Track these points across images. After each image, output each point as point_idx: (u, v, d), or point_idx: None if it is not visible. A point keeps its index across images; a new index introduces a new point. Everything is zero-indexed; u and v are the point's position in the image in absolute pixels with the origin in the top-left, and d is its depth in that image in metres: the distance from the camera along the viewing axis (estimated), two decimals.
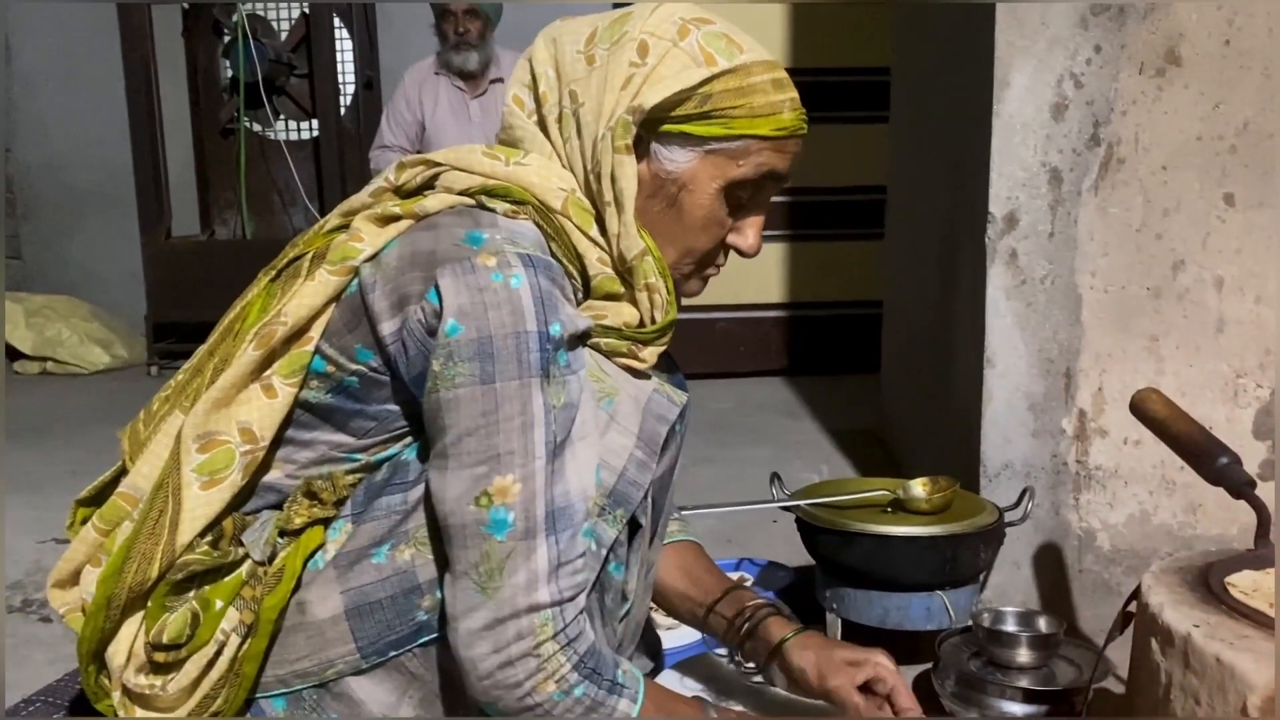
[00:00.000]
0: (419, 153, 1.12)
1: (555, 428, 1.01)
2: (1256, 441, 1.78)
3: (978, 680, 1.47)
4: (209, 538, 1.06)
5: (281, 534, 1.08)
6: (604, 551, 1.09)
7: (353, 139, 4.73)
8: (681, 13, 1.10)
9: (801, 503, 1.72)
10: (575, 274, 1.11)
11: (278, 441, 1.09)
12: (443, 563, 1.04)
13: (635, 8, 1.12)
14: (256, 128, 4.79)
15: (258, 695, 1.10)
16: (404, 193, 1.12)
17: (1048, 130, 1.78)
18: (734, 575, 1.90)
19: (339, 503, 1.10)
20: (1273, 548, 1.28)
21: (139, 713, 1.06)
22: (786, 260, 4.12)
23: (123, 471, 1.14)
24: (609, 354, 1.13)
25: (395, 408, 1.08)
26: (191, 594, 1.06)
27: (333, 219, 1.14)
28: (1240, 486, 1.32)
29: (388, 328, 1.03)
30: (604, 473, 1.08)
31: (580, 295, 1.13)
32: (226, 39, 4.69)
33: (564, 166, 1.12)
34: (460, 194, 1.09)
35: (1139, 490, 1.82)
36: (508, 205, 1.08)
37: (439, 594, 1.05)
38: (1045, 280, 1.81)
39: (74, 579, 1.12)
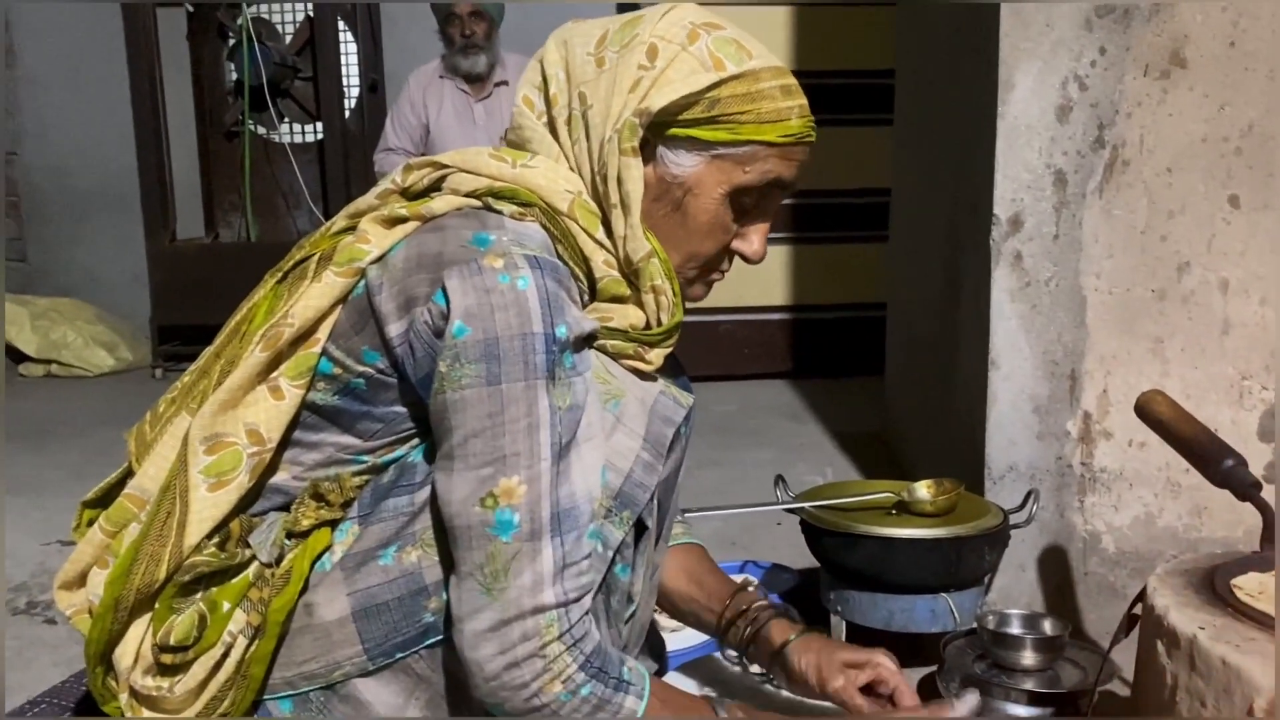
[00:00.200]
0: (424, 155, 1.12)
1: (561, 429, 1.01)
2: (1262, 444, 1.78)
3: (983, 683, 1.47)
4: (216, 539, 1.06)
5: (289, 536, 1.09)
6: (610, 553, 1.09)
7: (357, 142, 4.74)
8: (692, 17, 1.10)
9: (806, 505, 1.72)
10: (581, 276, 1.11)
11: (285, 443, 1.09)
12: (450, 564, 1.04)
13: (646, 11, 1.12)
14: (261, 130, 4.80)
15: (265, 697, 1.10)
16: (411, 195, 1.12)
17: (1052, 132, 1.78)
18: (738, 578, 1.90)
19: (346, 504, 1.10)
20: None
21: (146, 714, 1.06)
22: (791, 263, 4.13)
23: (129, 473, 1.14)
24: (615, 356, 1.13)
25: (402, 409, 1.08)
26: (199, 596, 1.06)
27: (339, 221, 1.14)
28: (1245, 489, 1.32)
29: (395, 329, 1.03)
30: (610, 474, 1.08)
31: (586, 297, 1.13)
32: (231, 42, 4.69)
33: (572, 168, 1.12)
34: (467, 196, 1.09)
35: (1144, 492, 1.82)
36: (514, 207, 1.08)
37: (446, 595, 1.05)
38: (1050, 282, 1.81)
39: (81, 581, 1.12)
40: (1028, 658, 1.48)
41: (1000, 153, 1.80)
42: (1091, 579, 1.85)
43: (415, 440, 1.10)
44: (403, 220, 1.08)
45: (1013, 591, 1.88)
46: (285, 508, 1.12)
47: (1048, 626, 1.54)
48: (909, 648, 1.60)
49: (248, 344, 1.08)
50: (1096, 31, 1.75)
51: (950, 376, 2.14)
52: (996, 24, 1.77)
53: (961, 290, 2.05)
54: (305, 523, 1.08)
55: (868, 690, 1.28)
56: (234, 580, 1.07)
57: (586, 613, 1.03)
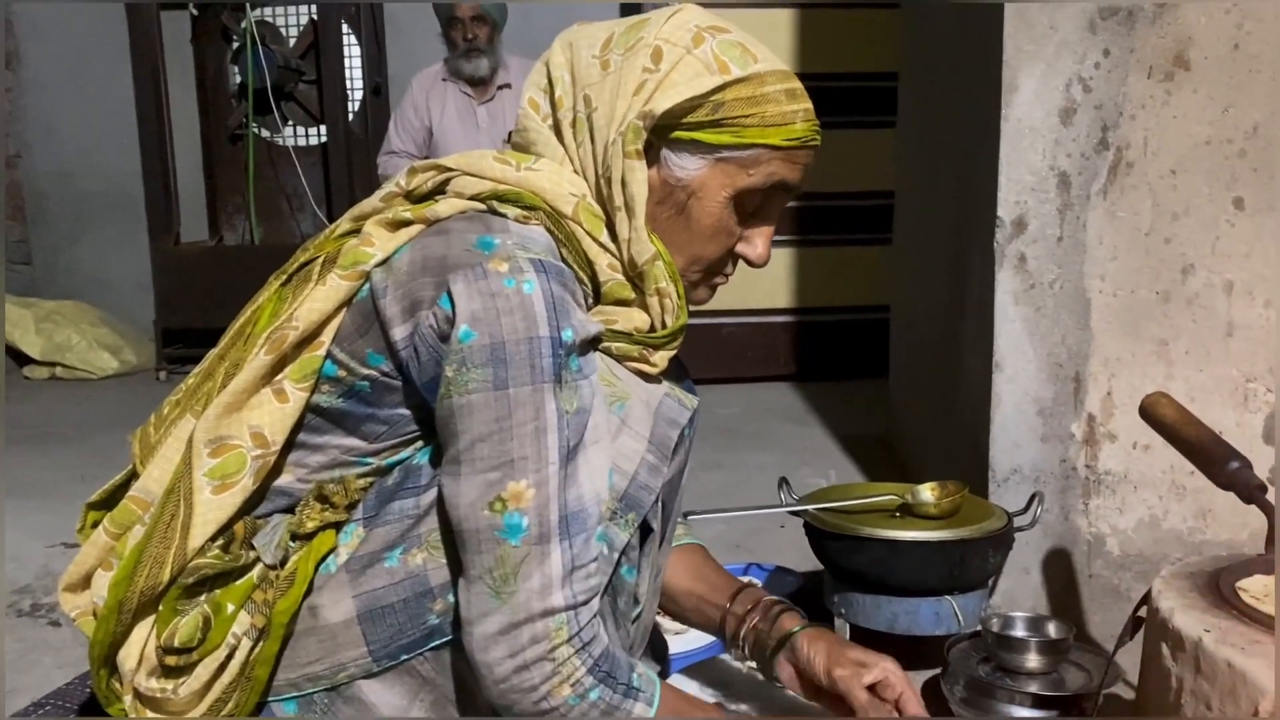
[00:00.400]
0: (427, 158, 1.12)
1: (568, 433, 1.01)
2: (1267, 446, 1.78)
3: (987, 685, 1.47)
4: (220, 541, 1.06)
5: (293, 538, 1.09)
6: (616, 555, 1.09)
7: (361, 145, 4.75)
8: (697, 20, 1.10)
9: (810, 507, 1.72)
10: (586, 279, 1.11)
11: (289, 445, 1.09)
12: (455, 567, 1.04)
13: (652, 14, 1.12)
14: (265, 134, 4.81)
15: (269, 699, 1.10)
16: (415, 198, 1.12)
17: (1056, 134, 1.78)
18: (742, 580, 1.90)
19: (350, 506, 1.10)
20: None
21: (150, 716, 1.06)
22: (794, 265, 4.13)
23: (133, 475, 1.14)
24: (620, 359, 1.13)
25: (406, 412, 1.08)
26: (203, 598, 1.06)
27: (343, 224, 1.14)
28: (1251, 491, 1.31)
29: (399, 333, 1.04)
30: (616, 477, 1.08)
31: (591, 300, 1.13)
32: (235, 45, 4.70)
33: (576, 171, 1.13)
34: (471, 199, 1.09)
35: (1149, 495, 1.82)
36: (519, 210, 1.08)
37: (451, 598, 1.05)
38: (1054, 284, 1.81)
39: (85, 583, 1.12)
40: (1032, 661, 1.48)
41: (1004, 155, 1.80)
42: (1096, 582, 1.85)
43: (420, 442, 1.10)
44: (407, 223, 1.08)
45: (1017, 594, 1.87)
46: (290, 510, 1.12)
47: (1052, 629, 1.54)
48: (913, 650, 1.60)
49: (252, 347, 1.08)
50: (1100, 33, 1.75)
51: (954, 379, 2.14)
52: (1000, 26, 1.77)
53: (965, 293, 2.05)
54: (310, 525, 1.08)
55: (871, 692, 1.27)
56: (238, 582, 1.07)
57: (595, 615, 1.03)
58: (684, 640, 1.67)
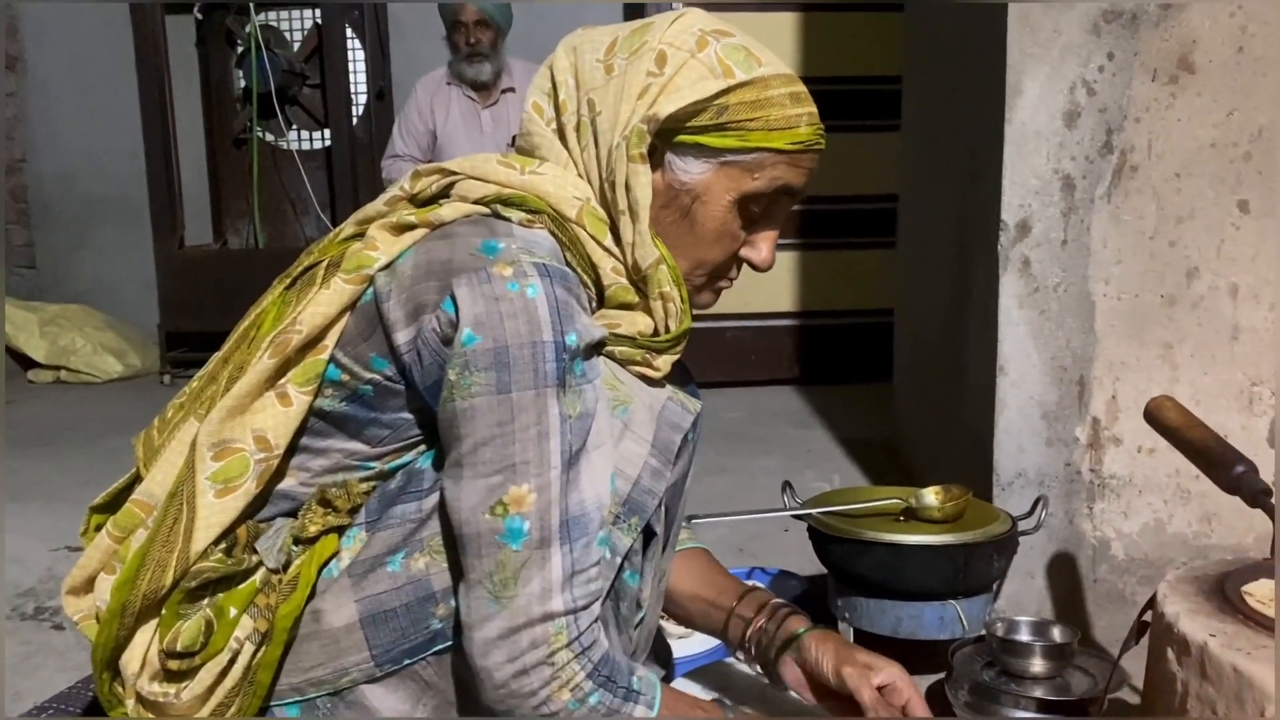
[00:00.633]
0: (431, 162, 1.12)
1: (571, 437, 1.01)
2: (1272, 449, 1.78)
3: (991, 690, 1.46)
4: (223, 545, 1.06)
5: (296, 542, 1.09)
6: (619, 560, 1.09)
7: (365, 149, 4.75)
8: (701, 24, 1.10)
9: (813, 511, 1.71)
10: (589, 283, 1.11)
11: (292, 449, 1.09)
12: (457, 571, 1.04)
13: (656, 18, 1.12)
14: (269, 138, 4.81)
15: (272, 704, 1.09)
16: (419, 201, 1.12)
17: (1060, 138, 1.78)
18: (747, 583, 1.89)
19: (353, 511, 1.10)
20: None
21: None
22: (798, 269, 4.12)
23: (137, 478, 1.14)
24: (623, 362, 1.13)
25: (409, 416, 1.08)
26: (205, 601, 1.06)
27: (348, 227, 1.14)
28: (1256, 495, 1.31)
29: (403, 337, 1.04)
30: (619, 481, 1.08)
31: (594, 304, 1.13)
32: (240, 49, 4.71)
33: (580, 175, 1.13)
34: (475, 203, 1.09)
35: (1153, 499, 1.82)
36: (523, 214, 1.08)
37: (453, 602, 1.05)
38: (1058, 288, 1.80)
39: (88, 586, 1.12)
40: (1037, 665, 1.47)
41: (1008, 158, 1.79)
42: (1101, 586, 1.84)
43: (423, 446, 1.10)
44: (411, 227, 1.08)
45: (1021, 598, 1.87)
46: (293, 514, 1.12)
47: (1057, 634, 1.53)
48: (917, 655, 1.59)
49: (256, 350, 1.08)
50: (1104, 36, 1.75)
51: (958, 382, 2.14)
52: (1004, 29, 1.77)
53: (970, 296, 2.05)
54: (313, 529, 1.08)
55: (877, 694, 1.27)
56: (241, 586, 1.07)
57: (595, 620, 1.03)
58: (688, 644, 1.67)
